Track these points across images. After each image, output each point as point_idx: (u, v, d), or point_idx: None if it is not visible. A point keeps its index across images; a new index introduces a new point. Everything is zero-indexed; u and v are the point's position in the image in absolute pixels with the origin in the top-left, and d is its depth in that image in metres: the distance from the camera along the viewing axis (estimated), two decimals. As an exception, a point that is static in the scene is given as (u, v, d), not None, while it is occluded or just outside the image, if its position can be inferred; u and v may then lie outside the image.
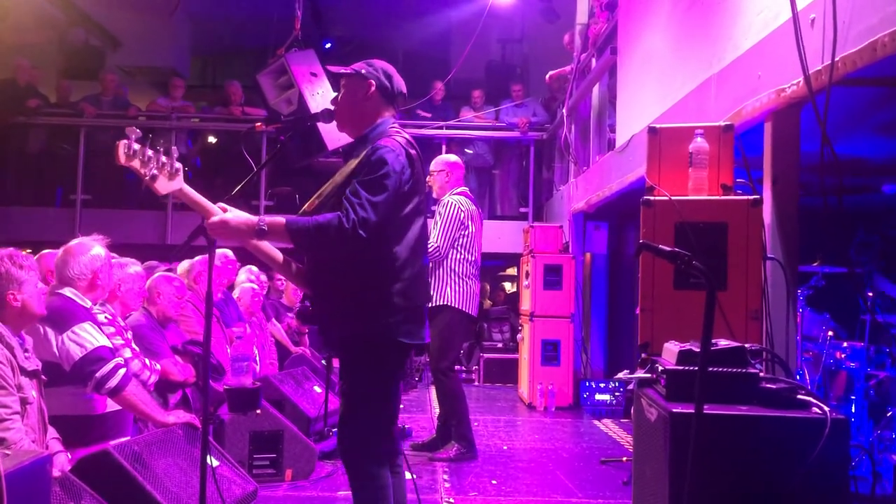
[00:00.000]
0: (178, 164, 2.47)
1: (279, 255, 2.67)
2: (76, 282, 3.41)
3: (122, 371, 3.29)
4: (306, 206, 2.70)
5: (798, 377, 4.40)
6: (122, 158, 2.31)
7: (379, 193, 2.49)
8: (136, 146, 2.34)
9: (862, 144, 4.62)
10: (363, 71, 2.72)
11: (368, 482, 2.62)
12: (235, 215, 2.50)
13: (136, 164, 2.34)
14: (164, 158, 2.41)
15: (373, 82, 2.72)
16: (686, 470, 1.98)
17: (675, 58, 4.84)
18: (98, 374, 3.22)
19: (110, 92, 9.63)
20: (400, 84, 2.79)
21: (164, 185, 2.42)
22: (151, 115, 9.64)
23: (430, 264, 4.85)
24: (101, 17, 11.92)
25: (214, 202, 2.60)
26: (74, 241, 3.49)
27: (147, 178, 2.37)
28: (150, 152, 2.37)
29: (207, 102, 10.97)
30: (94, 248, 3.47)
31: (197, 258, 5.19)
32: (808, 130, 3.33)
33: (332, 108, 2.80)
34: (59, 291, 3.39)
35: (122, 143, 2.31)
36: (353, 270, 2.56)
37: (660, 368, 2.44)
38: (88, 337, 3.27)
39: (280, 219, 2.50)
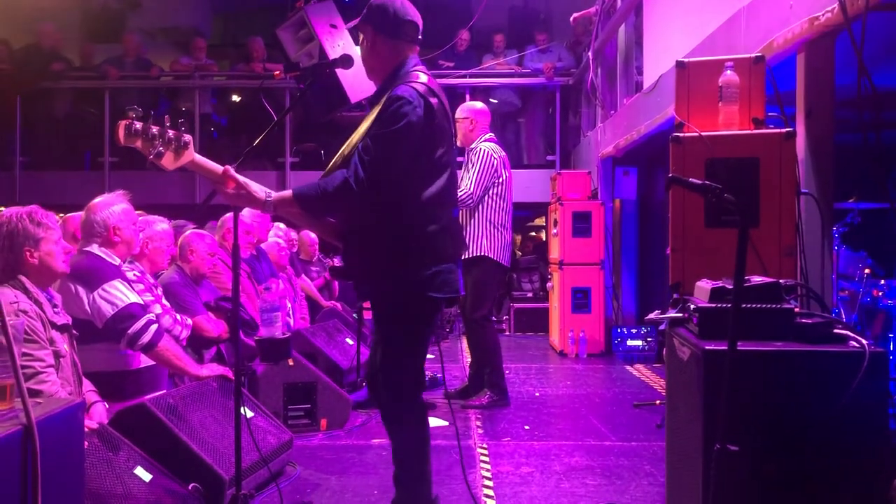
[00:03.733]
0: (187, 137, 2.42)
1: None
2: (97, 238, 3.44)
3: (153, 327, 3.32)
4: (336, 158, 2.66)
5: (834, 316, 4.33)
6: (123, 139, 2.27)
7: (391, 150, 2.43)
8: (139, 125, 2.28)
9: (900, 75, 4.46)
10: (362, 18, 2.66)
11: (405, 427, 2.64)
12: (238, 192, 2.46)
13: (138, 143, 2.31)
14: (171, 133, 2.36)
15: (370, 26, 2.64)
16: (720, 408, 1.95)
17: (703, -8, 4.69)
18: (130, 331, 3.26)
19: (132, 53, 9.61)
20: (399, 12, 2.62)
21: (170, 161, 2.38)
22: (174, 74, 9.62)
23: (462, 214, 4.81)
24: (121, -22, 11.87)
25: (240, 160, 2.58)
26: (97, 199, 3.51)
27: (151, 156, 2.34)
28: (154, 129, 2.31)
29: (230, 61, 10.90)
30: (112, 203, 3.48)
31: (228, 214, 5.20)
32: (844, 63, 3.21)
33: (349, 54, 2.75)
34: (86, 249, 3.42)
35: (123, 124, 2.27)
36: (379, 226, 2.52)
37: (692, 307, 2.40)
38: (119, 294, 3.31)
39: (287, 193, 2.47)
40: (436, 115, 2.54)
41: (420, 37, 2.69)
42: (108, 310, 3.26)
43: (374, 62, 2.68)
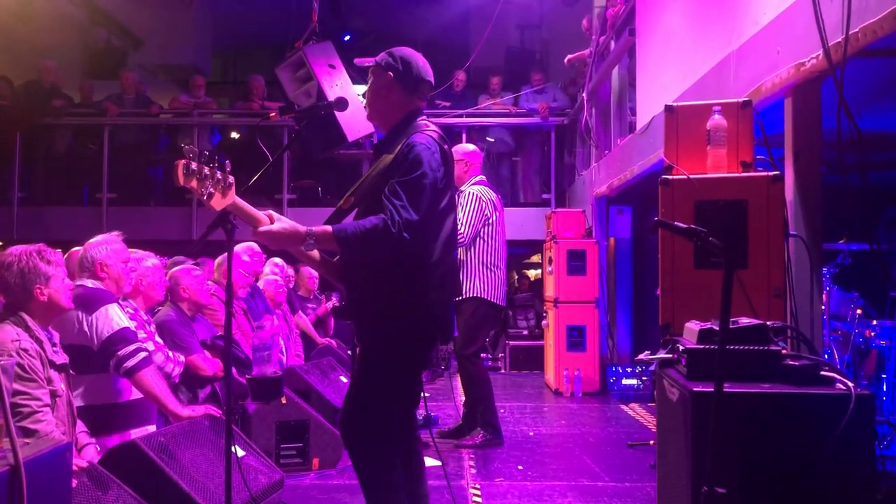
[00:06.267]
0: (231, 179, 2.42)
1: (316, 253, 2.67)
2: (87, 272, 3.51)
3: (142, 354, 3.38)
4: (342, 202, 2.71)
5: (826, 357, 4.34)
6: (182, 179, 2.26)
7: (419, 194, 2.49)
8: (195, 165, 2.29)
9: (888, 118, 4.53)
10: (383, 63, 2.71)
11: (378, 476, 2.59)
12: (283, 226, 2.48)
13: (194, 183, 2.30)
14: (219, 174, 2.37)
15: (391, 74, 2.69)
16: (708, 449, 1.96)
17: (694, 36, 4.78)
18: (120, 353, 3.32)
19: (132, 90, 9.72)
20: (421, 71, 2.72)
21: (219, 202, 2.38)
22: (173, 112, 9.73)
23: (459, 257, 4.87)
24: (123, 17, 12.02)
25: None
26: (93, 238, 3.59)
27: (204, 197, 2.33)
28: (206, 170, 2.32)
29: (229, 99, 11.01)
30: (105, 242, 3.56)
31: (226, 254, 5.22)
32: (830, 105, 3.26)
33: (345, 97, 2.81)
34: (80, 283, 3.48)
35: (182, 164, 2.26)
36: (387, 267, 2.55)
37: (680, 348, 2.42)
38: (115, 318, 3.38)
39: (327, 228, 2.49)
40: (448, 161, 2.65)
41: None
42: (105, 331, 3.33)
43: (384, 107, 2.74)
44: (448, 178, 2.65)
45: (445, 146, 2.66)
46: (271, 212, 2.53)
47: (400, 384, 2.64)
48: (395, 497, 2.58)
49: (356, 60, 2.82)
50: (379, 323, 2.61)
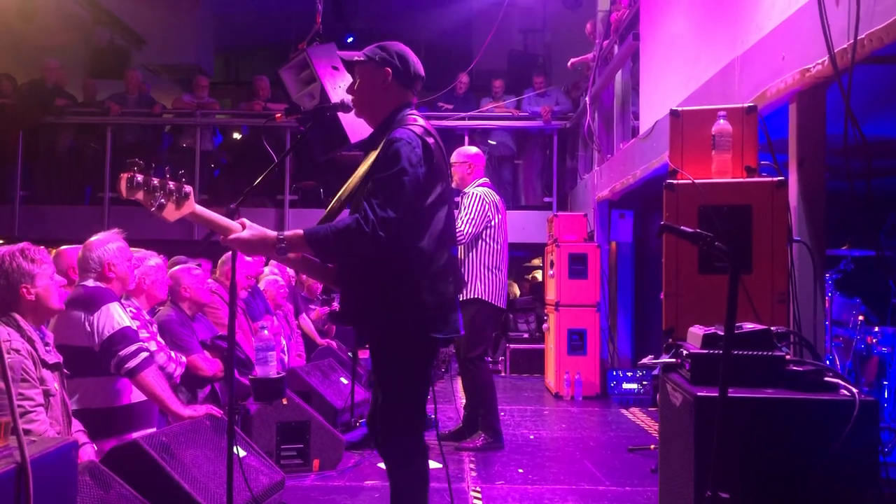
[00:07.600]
0: (187, 188, 2.39)
1: (292, 257, 2.65)
2: (92, 273, 3.50)
3: (143, 354, 3.37)
4: (332, 203, 2.70)
5: (828, 362, 4.34)
6: (125, 192, 2.25)
7: (396, 191, 2.45)
8: (140, 178, 2.27)
9: (892, 125, 4.53)
10: (377, 58, 2.67)
11: (406, 469, 2.62)
12: (253, 233, 2.47)
13: (140, 196, 2.28)
14: (171, 185, 2.34)
15: (389, 70, 2.66)
16: (711, 454, 1.95)
17: (698, 41, 4.78)
18: (121, 353, 3.32)
19: (135, 90, 9.72)
20: (417, 67, 2.71)
21: (171, 213, 2.36)
22: (176, 112, 9.73)
23: (459, 254, 4.86)
24: (126, 16, 12.03)
25: (239, 198, 2.60)
26: (93, 237, 3.57)
27: (153, 209, 2.31)
28: (156, 181, 2.30)
29: (231, 99, 11.00)
30: (108, 241, 3.55)
31: (229, 253, 5.24)
32: (835, 112, 3.26)
33: (347, 99, 2.79)
34: (83, 283, 3.48)
35: (125, 177, 2.25)
36: (379, 267, 2.53)
37: (684, 353, 2.42)
38: (116, 317, 3.38)
39: (298, 231, 2.47)
40: (433, 155, 2.58)
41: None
42: (107, 330, 3.32)
43: (379, 103, 2.70)
44: (434, 172, 2.58)
45: (430, 140, 2.58)
46: (244, 220, 2.51)
47: (406, 383, 2.63)
48: (422, 493, 2.60)
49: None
50: (375, 323, 2.61)
